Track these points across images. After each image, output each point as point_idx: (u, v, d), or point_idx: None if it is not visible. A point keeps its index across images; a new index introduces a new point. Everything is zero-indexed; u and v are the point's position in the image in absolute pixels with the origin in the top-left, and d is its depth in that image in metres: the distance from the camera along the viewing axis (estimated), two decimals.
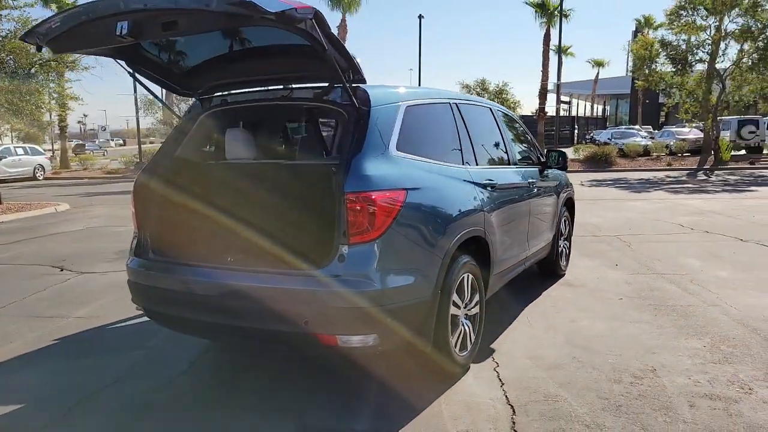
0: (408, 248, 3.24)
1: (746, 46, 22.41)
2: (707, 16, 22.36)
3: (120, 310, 5.38)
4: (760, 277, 6.18)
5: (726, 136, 25.06)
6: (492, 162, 4.79)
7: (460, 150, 4.14)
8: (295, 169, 3.98)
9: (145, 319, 4.12)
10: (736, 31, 22.00)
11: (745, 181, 18.10)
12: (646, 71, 24.23)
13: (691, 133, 28.20)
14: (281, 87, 3.81)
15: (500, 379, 3.78)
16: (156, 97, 4.25)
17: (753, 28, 21.34)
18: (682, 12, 22.69)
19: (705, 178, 19.63)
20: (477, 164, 4.28)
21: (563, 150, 6.70)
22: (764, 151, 26.82)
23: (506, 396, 3.54)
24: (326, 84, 3.55)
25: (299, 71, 3.64)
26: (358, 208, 3.06)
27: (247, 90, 3.96)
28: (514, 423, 3.20)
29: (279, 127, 4.65)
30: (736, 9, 21.48)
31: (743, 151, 26.67)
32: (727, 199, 13.49)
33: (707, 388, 3.55)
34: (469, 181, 3.97)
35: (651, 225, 9.83)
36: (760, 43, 21.66)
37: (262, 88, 3.89)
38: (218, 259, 3.59)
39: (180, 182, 3.91)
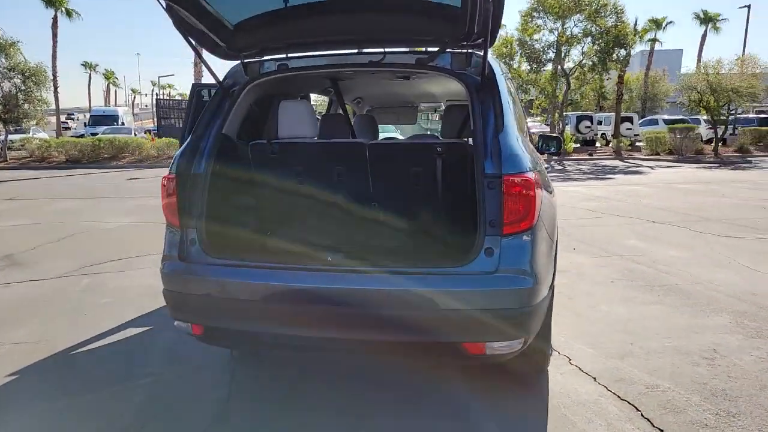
0: (543, 237, 2.87)
1: (586, 48, 24.99)
2: (555, 20, 24.52)
3: (69, 330, 4.23)
4: (701, 254, 6.76)
5: (568, 130, 27.86)
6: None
7: (523, 126, 3.85)
8: (411, 149, 3.34)
9: (115, 338, 3.22)
10: (579, 34, 24.42)
11: (595, 169, 20.19)
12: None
13: (536, 127, 30.87)
14: (373, 50, 3.16)
15: (586, 373, 3.58)
16: (194, 48, 3.27)
17: (594, 32, 23.84)
18: (534, 14, 24.63)
19: (561, 167, 21.52)
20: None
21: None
22: (596, 144, 30.28)
23: (611, 391, 3.34)
24: (433, 48, 3.01)
25: (392, 30, 3.05)
26: (517, 192, 2.62)
27: (314, 54, 3.24)
28: (650, 420, 3.00)
29: (368, 100, 3.95)
30: (579, 14, 23.82)
31: (578, 144, 29.90)
32: (600, 186, 14.85)
33: None
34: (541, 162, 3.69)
35: (561, 211, 10.39)
36: (598, 47, 24.28)
37: (335, 51, 3.21)
38: (314, 260, 2.88)
39: (246, 165, 3.12)
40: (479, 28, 2.73)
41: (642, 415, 3.06)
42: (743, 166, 21.17)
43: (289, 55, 3.22)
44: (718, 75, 23.86)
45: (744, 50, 33.01)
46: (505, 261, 2.63)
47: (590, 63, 24.82)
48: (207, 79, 36.47)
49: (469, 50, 2.95)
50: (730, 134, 27.96)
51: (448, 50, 2.98)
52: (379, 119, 5.33)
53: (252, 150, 3.35)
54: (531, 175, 2.67)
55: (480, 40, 2.90)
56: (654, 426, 2.94)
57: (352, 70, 3.26)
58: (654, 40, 37.66)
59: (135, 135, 29.46)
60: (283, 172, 3.38)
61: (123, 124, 33.95)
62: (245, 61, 3.25)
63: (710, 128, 27.32)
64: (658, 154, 25.18)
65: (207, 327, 2.96)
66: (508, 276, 2.62)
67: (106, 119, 34.08)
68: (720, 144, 25.89)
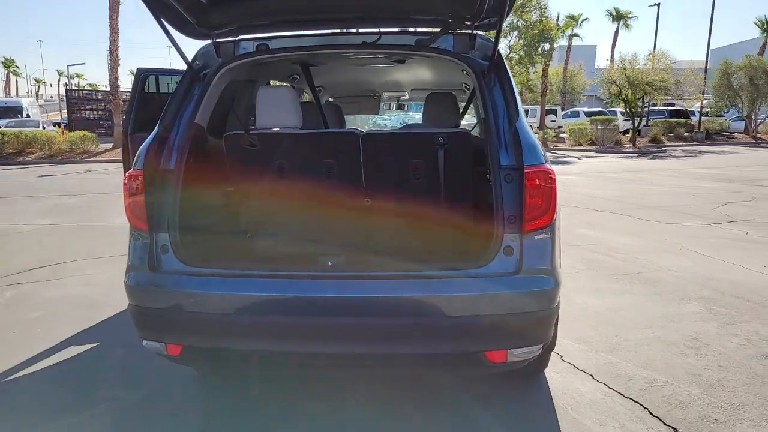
0: (558, 234, 2.69)
1: (512, 42, 25.55)
2: None
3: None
4: (652, 241, 6.93)
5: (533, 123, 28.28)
6: None
7: None
8: (409, 140, 3.03)
9: (57, 359, 2.80)
10: (506, 28, 24.90)
11: None
12: None
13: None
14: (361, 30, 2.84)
15: (582, 370, 3.47)
16: (160, 24, 2.79)
17: (520, 27, 24.40)
18: None
19: None
20: None
21: None
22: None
23: (612, 389, 3.23)
24: (436, 28, 2.74)
25: (389, 8, 2.75)
26: (538, 185, 2.42)
27: (295, 34, 2.88)
28: (660, 419, 2.91)
29: (331, 89, 3.59)
30: None
31: None
32: None
33: (761, 347, 3.72)
34: None
35: None
36: (524, 41, 24.88)
37: (323, 31, 2.87)
38: (312, 265, 2.55)
39: (223, 160, 2.73)
40: (492, 4, 2.49)
41: (650, 413, 2.96)
42: (660, 156, 22.40)
43: (269, 34, 2.85)
44: (635, 69, 25.11)
45: (655, 46, 35.02)
46: (527, 260, 2.42)
47: (517, 56, 25.38)
48: (124, 69, 34.23)
49: (474, 31, 2.70)
50: (644, 125, 29.55)
51: (452, 32, 2.73)
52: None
53: (227, 142, 2.96)
54: (550, 167, 2.48)
55: (487, 20, 2.67)
56: (666, 424, 2.85)
57: (344, 53, 2.94)
58: (573, 35, 39.17)
59: (44, 128, 27.23)
60: (265, 166, 3.01)
61: (28, 116, 31.30)
62: (217, 41, 2.84)
63: (627, 120, 28.76)
64: (581, 144, 26.20)
65: (186, 347, 2.57)
66: (531, 277, 2.42)
67: (9, 111, 31.26)
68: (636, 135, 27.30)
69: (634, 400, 3.08)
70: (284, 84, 2.99)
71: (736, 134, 30.70)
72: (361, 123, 12.33)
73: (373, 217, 2.97)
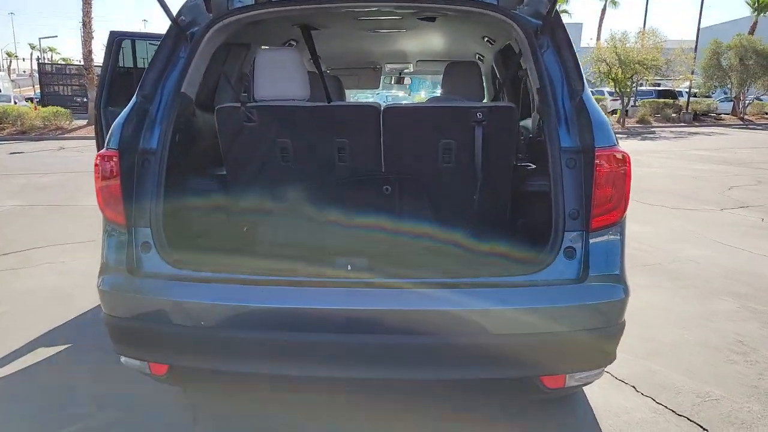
0: (626, 231, 2.26)
1: None
2: None
3: None
4: (666, 229, 6.57)
5: None
6: None
7: None
8: (440, 115, 2.52)
9: (23, 363, 2.35)
10: None
11: None
12: None
13: None
14: None
15: (622, 380, 3.08)
16: None
17: None
18: None
19: None
20: None
21: None
22: None
23: (661, 404, 2.84)
24: None
25: None
26: (611, 172, 1.98)
27: None
28: None
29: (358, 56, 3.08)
30: None
31: None
32: None
33: None
34: None
35: None
36: None
37: None
38: (325, 270, 2.09)
39: (214, 138, 2.27)
40: None
41: None
42: (650, 137, 22.13)
43: None
44: (626, 47, 24.66)
45: (645, 24, 34.59)
46: (594, 265, 1.98)
47: None
48: (98, 42, 33.05)
49: None
50: (632, 106, 29.26)
51: None
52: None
53: (220, 117, 2.46)
54: (624, 151, 2.03)
55: None
56: None
57: (367, 6, 2.43)
58: (563, 12, 38.60)
59: (15, 103, 26.09)
60: (265, 146, 2.52)
61: (0, 91, 30.04)
62: None
63: (615, 99, 28.40)
64: None
65: (174, 367, 2.10)
66: (597, 286, 1.99)
67: None
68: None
69: (690, 419, 2.70)
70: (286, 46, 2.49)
71: (723, 115, 30.56)
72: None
73: (395, 210, 2.51)
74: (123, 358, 2.19)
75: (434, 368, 1.96)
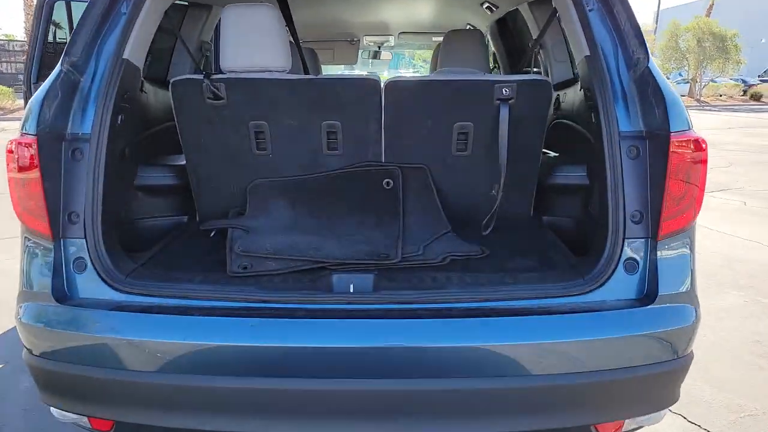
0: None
1: None
2: None
3: None
4: None
5: None
6: None
7: None
8: (455, 91, 2.01)
9: None
10: None
11: None
12: None
13: None
14: None
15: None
16: None
17: None
18: None
19: None
20: None
21: None
22: None
23: (693, 423, 2.51)
24: None
25: None
26: (688, 163, 1.58)
27: None
28: None
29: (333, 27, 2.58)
30: None
31: None
32: None
33: None
34: None
35: None
36: None
37: None
38: (319, 291, 1.62)
39: (168, 118, 1.81)
40: None
41: None
42: None
43: None
44: None
45: None
46: (663, 281, 1.58)
47: None
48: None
49: None
50: None
51: None
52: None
53: (176, 93, 1.93)
54: (702, 138, 1.62)
55: None
56: None
57: None
58: None
59: None
60: (236, 130, 2.01)
61: None
62: None
63: None
64: None
65: (121, 423, 1.61)
66: (665, 309, 1.59)
67: None
68: None
69: None
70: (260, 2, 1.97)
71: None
72: None
73: (397, 209, 2.05)
74: (54, 410, 1.68)
75: (463, 422, 1.53)
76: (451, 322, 1.50)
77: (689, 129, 1.57)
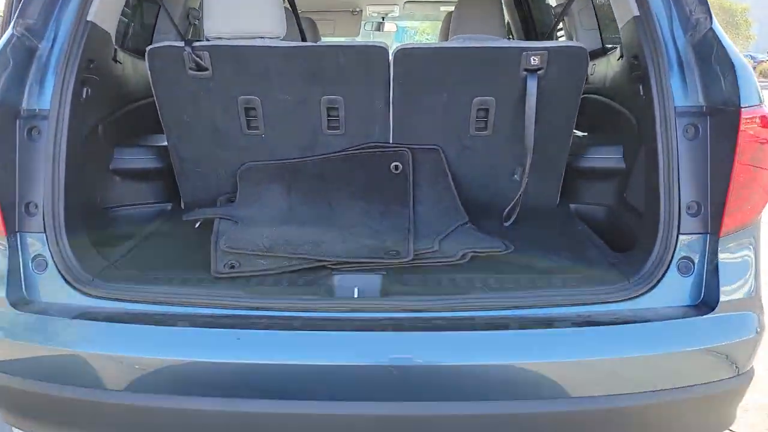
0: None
1: None
2: None
3: None
4: None
5: None
6: None
7: None
8: (476, 60, 1.73)
9: None
10: None
11: None
12: None
13: None
14: None
15: None
16: None
17: None
18: None
19: None
20: None
21: None
22: None
23: None
24: None
25: None
26: (758, 145, 1.33)
27: None
28: None
29: None
30: None
31: None
32: None
33: None
34: None
35: None
36: None
37: None
38: (320, 295, 1.39)
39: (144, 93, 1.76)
40: None
41: None
42: None
43: None
44: None
45: None
46: (724, 285, 1.35)
47: None
48: None
49: None
50: None
51: None
52: None
53: (154, 62, 1.68)
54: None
55: None
56: None
57: None
58: None
59: None
60: (224, 106, 1.76)
61: None
62: None
63: None
64: None
65: None
66: (727, 317, 1.35)
67: None
68: None
69: None
70: None
71: None
72: None
73: (407, 197, 1.80)
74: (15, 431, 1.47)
75: None
76: (475, 335, 1.27)
77: (760, 104, 1.32)
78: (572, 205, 2.02)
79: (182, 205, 2.00)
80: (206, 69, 1.68)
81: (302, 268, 1.48)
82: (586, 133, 2.20)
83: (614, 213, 1.90)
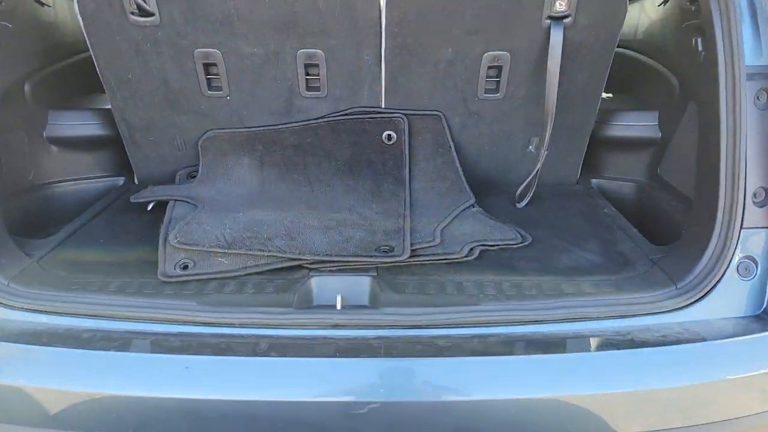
0: None
1: None
2: None
3: None
4: None
5: None
6: None
7: None
8: (505, 3, 1.38)
9: None
10: None
11: None
12: None
13: None
14: None
15: None
16: None
17: None
18: None
19: None
20: None
21: None
22: None
23: None
24: None
25: None
26: None
27: None
28: None
29: None
30: None
31: None
32: None
33: None
34: None
35: None
36: None
37: None
38: (291, 313, 1.09)
39: (88, 41, 1.42)
40: None
41: None
42: None
43: None
44: None
45: None
46: None
47: None
48: None
49: None
50: None
51: None
52: None
53: (84, 4, 1.34)
54: None
55: None
56: None
57: None
58: None
59: None
60: (177, 61, 1.43)
61: None
62: None
63: None
64: None
65: None
66: None
67: None
68: None
69: None
70: None
71: None
72: None
73: (402, 174, 1.50)
74: None
75: None
76: (490, 361, 1.00)
77: None
78: (594, 180, 1.74)
79: (136, 180, 1.70)
80: (152, 14, 1.35)
81: (272, 268, 1.19)
82: (610, 95, 1.89)
83: (645, 191, 1.62)
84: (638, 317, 1.08)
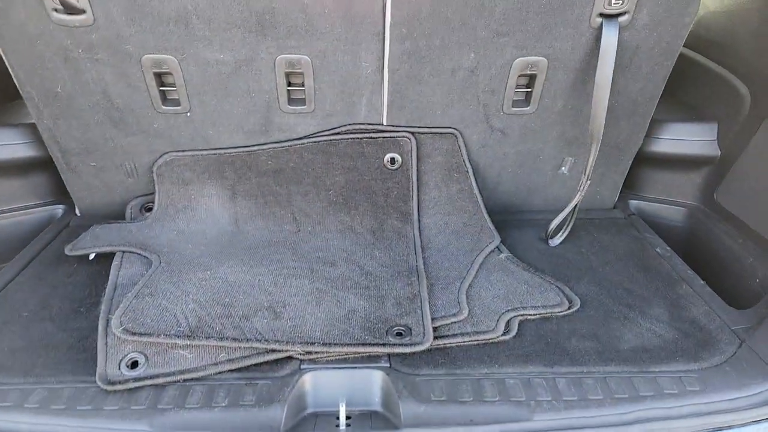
0: None
1: None
2: None
3: None
4: None
5: None
6: None
7: None
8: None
9: None
10: None
11: None
12: None
13: None
14: None
15: None
16: None
17: None
18: None
19: None
20: None
21: None
22: None
23: None
24: None
25: None
26: None
27: None
28: None
29: None
30: None
31: None
32: None
33: None
34: None
35: None
36: None
37: None
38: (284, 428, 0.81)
39: None
40: None
41: None
42: None
43: None
44: None
45: None
46: None
47: None
48: None
49: None
50: None
51: None
52: None
53: None
54: None
55: None
56: None
57: None
58: None
59: None
60: (119, 70, 1.11)
61: None
62: None
63: None
64: None
65: None
66: None
67: None
68: None
69: None
70: None
71: None
72: None
73: (408, 205, 1.22)
74: None
75: None
76: None
77: None
78: (632, 202, 1.46)
79: (77, 211, 1.37)
80: (81, 11, 1.01)
81: (251, 364, 0.90)
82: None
83: (697, 218, 1.36)
84: (736, 429, 0.83)
